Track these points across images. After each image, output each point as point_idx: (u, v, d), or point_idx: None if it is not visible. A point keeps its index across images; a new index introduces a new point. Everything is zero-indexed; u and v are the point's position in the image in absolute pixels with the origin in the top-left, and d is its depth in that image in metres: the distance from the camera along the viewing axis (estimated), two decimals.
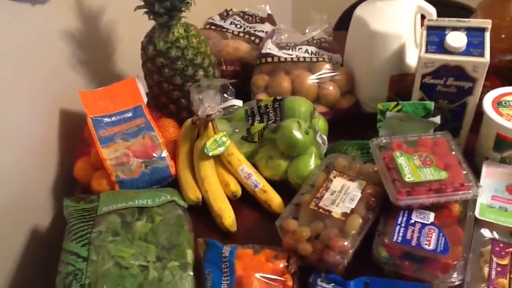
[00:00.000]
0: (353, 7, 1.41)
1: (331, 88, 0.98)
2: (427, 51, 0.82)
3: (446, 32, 0.82)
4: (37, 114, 0.89)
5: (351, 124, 0.98)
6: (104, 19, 1.00)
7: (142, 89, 0.95)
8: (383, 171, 0.75)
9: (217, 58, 1.06)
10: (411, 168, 0.73)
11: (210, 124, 0.87)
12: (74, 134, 0.95)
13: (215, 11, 1.22)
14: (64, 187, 0.96)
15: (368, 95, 0.99)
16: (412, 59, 0.94)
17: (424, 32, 0.84)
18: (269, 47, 1.02)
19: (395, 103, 0.86)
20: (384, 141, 0.79)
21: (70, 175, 0.92)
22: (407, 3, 0.92)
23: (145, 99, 0.93)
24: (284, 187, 0.87)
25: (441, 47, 0.82)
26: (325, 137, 0.91)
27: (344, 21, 1.43)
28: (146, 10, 0.87)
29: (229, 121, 0.94)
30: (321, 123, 0.92)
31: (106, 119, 0.90)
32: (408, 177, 0.72)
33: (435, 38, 0.83)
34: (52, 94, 0.92)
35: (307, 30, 1.15)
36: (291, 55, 1.02)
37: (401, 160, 0.74)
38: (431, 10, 0.92)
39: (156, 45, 0.89)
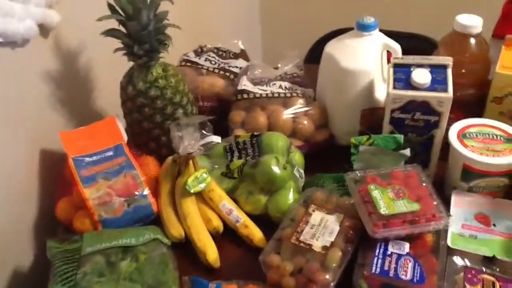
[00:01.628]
0: (321, 40, 1.48)
1: (305, 122, 1.02)
2: (395, 87, 0.87)
3: (412, 69, 0.88)
4: (17, 156, 0.89)
5: (326, 157, 1.02)
6: (82, 59, 1.02)
7: (121, 127, 0.96)
8: (359, 204, 0.78)
9: (193, 94, 1.09)
10: (386, 200, 0.77)
11: (190, 161, 0.89)
12: (55, 174, 0.96)
13: (189, 47, 1.25)
14: (46, 228, 0.96)
15: (341, 128, 1.03)
16: (380, 93, 0.99)
17: (391, 70, 0.89)
18: (244, 84, 1.06)
19: (367, 136, 0.90)
20: (359, 174, 0.83)
21: (51, 216, 0.92)
22: (374, 40, 0.98)
23: (125, 138, 0.95)
24: (264, 221, 0.89)
25: (408, 84, 0.87)
26: (302, 171, 0.94)
27: (313, 54, 1.49)
28: (125, 52, 0.89)
29: (208, 158, 0.97)
30: (297, 157, 0.96)
31: (87, 159, 0.91)
32: (383, 210, 0.76)
33: (401, 75, 0.88)
34: (31, 135, 0.92)
35: (279, 65, 1.19)
36: (266, 90, 1.06)
37: (376, 193, 0.78)
38: (396, 47, 0.98)
39: (135, 85, 0.92)
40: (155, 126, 0.95)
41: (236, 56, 1.21)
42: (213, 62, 1.18)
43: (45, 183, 0.96)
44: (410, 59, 0.88)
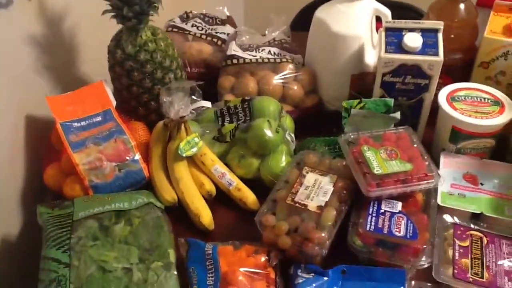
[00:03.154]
0: (308, 7, 1.47)
1: (295, 87, 1.02)
2: (386, 51, 0.88)
3: (403, 33, 0.88)
4: (3, 122, 0.87)
5: (315, 122, 1.02)
6: (67, 23, 0.99)
7: (110, 92, 0.94)
8: (353, 165, 0.79)
9: (181, 60, 1.08)
10: (379, 161, 0.79)
11: (182, 125, 0.89)
12: (42, 140, 0.94)
13: (174, 13, 1.23)
14: (34, 195, 0.94)
15: (330, 94, 1.04)
16: (370, 58, 0.99)
17: (383, 33, 0.89)
18: (234, 49, 1.05)
19: (358, 100, 0.91)
20: (352, 136, 0.84)
21: (39, 182, 0.91)
22: (364, 5, 0.98)
23: (114, 103, 0.93)
24: (257, 184, 0.90)
25: (399, 47, 0.88)
26: (292, 135, 0.95)
27: (300, 21, 1.49)
28: (113, 14, 0.87)
29: (199, 123, 0.96)
30: (288, 122, 0.96)
31: (76, 124, 0.89)
32: (377, 170, 0.77)
33: (393, 39, 0.88)
34: (17, 101, 0.90)
35: (266, 32, 1.18)
36: (255, 56, 1.05)
37: (369, 154, 0.80)
38: (386, 12, 0.98)
39: (124, 49, 0.90)
40: (144, 91, 0.94)
41: (223, 22, 1.20)
42: (200, 28, 1.16)
43: (32, 149, 0.94)
44: (402, 23, 0.89)
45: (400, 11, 1.11)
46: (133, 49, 0.90)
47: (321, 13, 1.00)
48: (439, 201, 0.80)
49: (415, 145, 0.82)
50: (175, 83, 0.93)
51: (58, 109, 0.90)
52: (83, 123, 0.90)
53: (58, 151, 0.90)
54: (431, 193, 0.79)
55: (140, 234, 0.78)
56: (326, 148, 0.92)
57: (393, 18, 1.00)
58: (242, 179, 0.90)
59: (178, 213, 0.86)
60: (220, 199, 0.89)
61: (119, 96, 0.97)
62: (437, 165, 0.85)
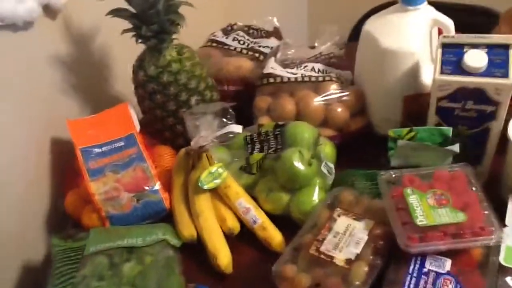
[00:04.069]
0: (367, 15, 1.33)
1: (339, 110, 0.90)
2: (442, 72, 0.73)
3: (464, 50, 0.73)
4: (28, 145, 0.84)
5: (361, 148, 0.90)
6: (95, 41, 0.95)
7: (134, 115, 0.89)
8: (391, 211, 0.67)
9: (217, 78, 1.00)
10: (424, 208, 0.65)
11: (204, 155, 0.81)
12: (67, 163, 0.90)
13: (223, 23, 1.15)
14: (56, 220, 0.91)
15: (380, 116, 0.90)
16: (428, 77, 0.84)
17: (439, 51, 0.75)
18: (272, 66, 0.95)
19: (408, 129, 0.77)
20: (394, 175, 0.71)
21: (62, 208, 0.87)
22: (421, 16, 0.83)
23: (138, 127, 0.87)
24: (286, 221, 0.79)
25: (458, 68, 0.73)
26: (331, 165, 0.83)
27: (357, 31, 1.35)
28: (133, 33, 0.80)
29: (229, 148, 0.88)
30: (328, 150, 0.85)
31: (96, 150, 0.85)
32: (421, 220, 0.63)
33: (451, 57, 0.74)
34: (42, 123, 0.87)
35: (316, 44, 1.07)
36: (295, 74, 0.94)
37: (413, 199, 0.66)
38: (448, 23, 0.83)
39: (146, 70, 0.83)
40: (168, 114, 0.87)
41: (268, 34, 1.10)
42: (241, 42, 1.07)
43: (56, 173, 0.91)
44: (463, 37, 0.74)
45: (470, 16, 0.95)
46: (155, 70, 0.83)
47: (370, 25, 0.88)
48: (501, 259, 0.64)
49: (472, 189, 0.67)
50: (201, 106, 0.85)
51: (79, 133, 0.86)
52: (104, 148, 0.85)
53: (80, 175, 0.86)
54: (491, 248, 0.64)
55: (149, 275, 0.72)
56: (368, 184, 0.79)
57: (461, 24, 0.84)
58: (270, 214, 0.80)
59: (197, 249, 0.78)
60: (244, 235, 0.80)
61: (144, 118, 0.91)
62: (504, 211, 0.69)
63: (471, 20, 0.81)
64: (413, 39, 0.83)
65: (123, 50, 0.87)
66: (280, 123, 0.85)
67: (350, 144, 0.91)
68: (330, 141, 0.87)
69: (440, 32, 0.85)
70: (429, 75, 0.84)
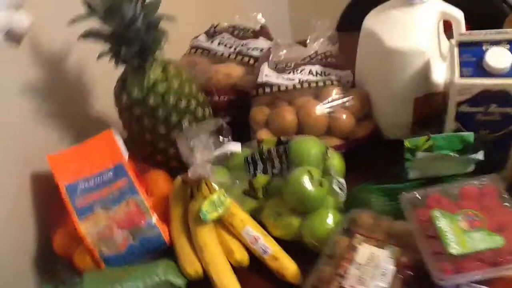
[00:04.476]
0: (355, 4, 1.23)
1: (344, 116, 0.82)
2: (462, 75, 0.66)
3: (485, 49, 0.66)
4: (5, 184, 0.75)
5: (370, 155, 0.83)
6: (68, 64, 0.85)
7: (121, 141, 0.80)
8: (419, 238, 0.60)
9: (207, 88, 0.91)
10: (456, 233, 0.58)
11: (203, 183, 0.73)
12: (53, 198, 0.82)
13: (202, 25, 1.06)
14: (46, 263, 0.83)
15: (388, 121, 0.83)
16: (438, 75, 0.77)
17: (456, 50, 0.68)
18: (266, 73, 0.86)
19: (425, 138, 0.70)
20: (417, 195, 0.64)
21: (51, 248, 0.79)
22: (428, 9, 0.76)
23: (126, 155, 0.79)
24: (299, 246, 0.73)
25: (479, 68, 0.66)
26: (342, 181, 0.76)
27: (345, 21, 1.25)
28: (111, 55, 0.71)
29: (228, 169, 0.80)
30: (336, 162, 0.77)
31: (83, 185, 0.76)
32: (454, 248, 0.57)
33: (470, 57, 0.66)
34: (20, 158, 0.79)
35: (308, 40, 0.98)
36: (293, 79, 0.86)
37: (443, 223, 0.59)
38: (457, 15, 0.76)
39: (130, 93, 0.75)
40: (159, 138, 0.79)
41: (255, 34, 1.01)
42: (228, 45, 0.98)
43: (41, 211, 0.82)
44: (482, 34, 0.66)
45: (480, 3, 0.87)
46: (140, 93, 0.74)
47: (371, 22, 0.80)
48: None
49: (505, 204, 0.61)
50: (194, 126, 0.77)
51: (62, 168, 0.77)
52: (91, 183, 0.77)
53: (67, 212, 0.78)
54: None
55: None
56: (385, 200, 0.72)
57: (470, 14, 0.77)
58: (281, 240, 0.73)
59: (204, 286, 0.71)
60: (254, 263, 0.73)
61: (133, 142, 0.83)
62: None
63: (481, 9, 0.73)
64: (421, 36, 0.75)
65: (102, 71, 0.78)
66: (282, 138, 0.77)
67: (357, 151, 0.84)
68: (336, 151, 0.80)
69: (448, 25, 0.78)
70: (440, 72, 0.78)
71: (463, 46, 0.67)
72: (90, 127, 0.89)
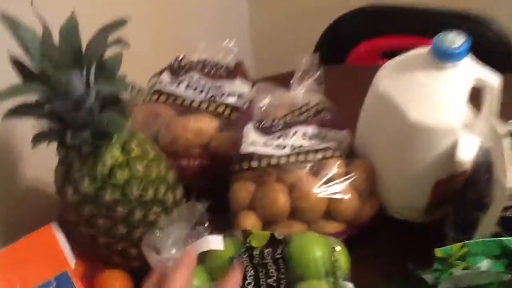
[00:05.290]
0: (332, 29, 1.05)
1: (347, 197, 0.67)
2: None
3: None
4: None
5: (376, 241, 0.70)
6: None
7: (63, 240, 0.61)
8: None
9: (173, 150, 0.73)
10: None
11: None
12: None
13: (160, 57, 0.86)
14: None
15: (400, 203, 0.69)
16: (465, 153, 0.64)
17: (506, 143, 0.54)
18: (252, 140, 0.69)
19: (459, 245, 0.57)
20: None
21: None
22: (460, 74, 0.61)
23: (73, 261, 0.60)
24: None
25: None
26: (351, 286, 0.61)
27: (323, 49, 1.07)
28: (49, 140, 0.51)
29: (207, 271, 0.63)
30: (342, 262, 0.62)
31: None
32: None
33: None
34: None
35: (292, 81, 0.82)
36: (283, 147, 0.70)
37: None
38: (494, 83, 0.62)
39: (77, 185, 0.55)
40: (118, 240, 0.60)
41: (229, 74, 0.82)
42: (198, 90, 0.79)
43: None
44: None
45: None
46: (91, 185, 0.54)
47: (385, 83, 0.64)
48: None
49: None
50: (161, 222, 0.59)
51: None
52: None
53: None
54: None
55: None
56: None
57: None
58: None
59: None
60: None
61: (82, 241, 0.63)
62: None
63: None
64: (453, 110, 0.61)
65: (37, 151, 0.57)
66: (277, 236, 0.61)
67: (359, 236, 0.69)
68: (340, 244, 0.65)
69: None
70: (467, 150, 0.64)
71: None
72: (25, 224, 0.66)
